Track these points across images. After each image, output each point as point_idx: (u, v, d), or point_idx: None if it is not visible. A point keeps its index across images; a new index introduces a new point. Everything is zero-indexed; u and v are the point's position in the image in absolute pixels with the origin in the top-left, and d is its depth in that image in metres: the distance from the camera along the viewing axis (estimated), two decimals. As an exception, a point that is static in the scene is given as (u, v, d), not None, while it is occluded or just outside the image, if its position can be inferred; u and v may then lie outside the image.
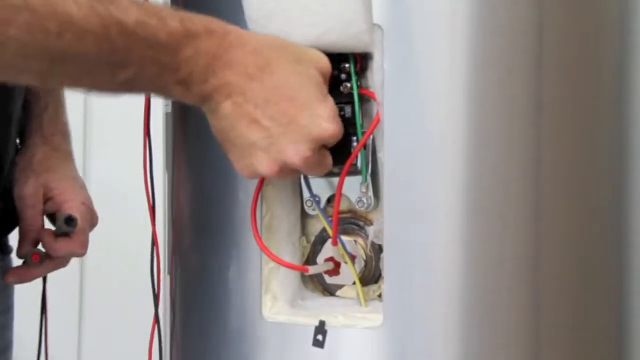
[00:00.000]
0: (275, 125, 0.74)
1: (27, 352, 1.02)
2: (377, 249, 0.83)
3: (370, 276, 0.84)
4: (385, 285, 0.79)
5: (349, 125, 0.82)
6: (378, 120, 0.80)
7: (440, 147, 0.79)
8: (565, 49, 0.81)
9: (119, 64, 0.69)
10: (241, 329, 0.85)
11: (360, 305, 0.83)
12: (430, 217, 0.79)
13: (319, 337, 0.80)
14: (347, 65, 0.81)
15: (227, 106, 0.74)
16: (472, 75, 0.79)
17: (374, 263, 0.84)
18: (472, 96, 0.79)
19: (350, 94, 0.81)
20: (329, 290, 0.87)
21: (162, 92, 0.74)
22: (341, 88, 0.81)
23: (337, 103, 0.81)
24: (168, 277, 0.93)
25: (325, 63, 0.78)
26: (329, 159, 0.79)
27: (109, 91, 0.71)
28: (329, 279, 0.85)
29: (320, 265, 0.84)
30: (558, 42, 0.81)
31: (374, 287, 0.84)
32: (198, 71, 0.72)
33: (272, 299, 0.84)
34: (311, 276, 0.87)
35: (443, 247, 0.79)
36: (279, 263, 0.83)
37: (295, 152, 0.74)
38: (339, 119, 0.77)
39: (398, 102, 0.79)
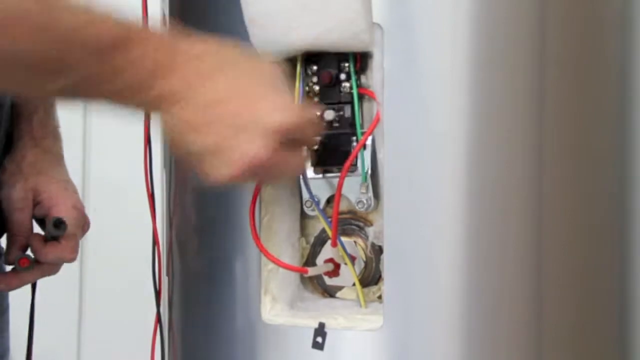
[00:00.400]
0: (223, 127, 0.71)
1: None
2: (377, 250, 0.83)
3: (370, 277, 0.84)
4: (385, 286, 0.79)
5: (348, 125, 0.82)
6: (378, 120, 0.80)
7: (441, 147, 0.78)
8: (567, 47, 0.80)
9: (56, 69, 0.66)
10: (240, 332, 0.84)
11: (361, 306, 0.83)
12: (431, 218, 0.78)
13: (319, 339, 0.80)
14: (346, 64, 0.82)
15: (173, 115, 0.71)
16: (473, 74, 0.78)
17: (374, 264, 0.83)
18: (474, 95, 0.78)
19: (350, 94, 0.81)
20: (329, 292, 0.87)
21: (107, 100, 0.70)
22: (341, 88, 0.81)
23: (336, 103, 0.82)
24: (167, 279, 0.92)
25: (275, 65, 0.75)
26: (299, 158, 0.76)
27: (48, 96, 0.69)
28: (328, 281, 0.85)
29: (320, 267, 0.84)
30: (560, 40, 0.80)
31: (374, 288, 0.84)
32: (142, 78, 0.69)
33: (271, 301, 0.84)
34: (311, 278, 0.87)
35: (444, 248, 0.78)
36: (278, 264, 0.82)
37: (249, 150, 0.70)
38: (297, 108, 0.74)
39: (398, 101, 0.78)
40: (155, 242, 0.92)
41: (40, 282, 0.98)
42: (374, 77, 0.81)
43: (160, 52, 0.69)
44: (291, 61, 0.83)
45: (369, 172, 0.81)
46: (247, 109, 0.70)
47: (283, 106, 0.71)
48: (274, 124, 0.70)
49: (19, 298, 1.03)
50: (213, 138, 0.70)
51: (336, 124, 0.83)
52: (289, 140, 0.72)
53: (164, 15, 0.92)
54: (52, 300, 1.03)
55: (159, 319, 0.92)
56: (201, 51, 0.71)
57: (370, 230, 0.83)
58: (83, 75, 0.67)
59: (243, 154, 0.70)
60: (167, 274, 0.92)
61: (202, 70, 0.71)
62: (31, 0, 0.64)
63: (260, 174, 0.74)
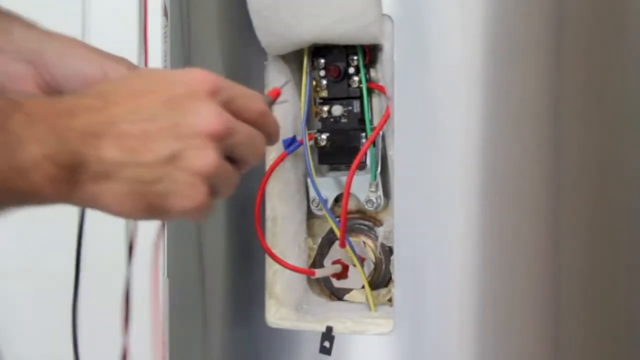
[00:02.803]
0: (164, 118, 0.62)
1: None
2: (387, 251, 0.82)
3: (380, 280, 0.83)
4: (395, 289, 0.78)
5: (357, 121, 0.81)
6: (388, 116, 0.79)
7: (454, 143, 0.77)
8: (586, 39, 0.79)
9: None
10: (244, 336, 0.84)
11: (370, 310, 0.82)
12: (443, 218, 0.77)
13: (326, 343, 0.79)
14: (355, 57, 0.81)
15: (109, 151, 0.61)
16: (486, 67, 0.77)
17: (383, 266, 0.82)
18: (487, 89, 0.77)
19: (359, 88, 0.81)
20: (337, 295, 0.86)
21: (25, 186, 0.59)
22: (349, 82, 0.81)
23: (345, 98, 0.81)
24: (167, 280, 0.91)
25: (199, 77, 0.65)
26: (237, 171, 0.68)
27: None
28: (336, 283, 0.84)
29: (328, 268, 0.84)
30: (578, 31, 0.79)
31: (383, 291, 0.83)
32: (47, 136, 0.59)
33: (277, 304, 0.83)
34: (318, 280, 0.86)
35: (456, 249, 0.77)
36: (283, 266, 0.81)
37: (204, 117, 0.63)
38: (221, 113, 0.65)
39: (409, 96, 0.77)
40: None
41: (38, 284, 0.96)
42: (384, 71, 0.80)
43: (42, 102, 0.62)
44: (298, 54, 0.82)
45: (379, 169, 0.81)
46: (181, 118, 0.63)
47: (210, 111, 0.64)
48: (209, 129, 0.63)
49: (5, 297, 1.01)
50: (165, 148, 0.62)
51: (344, 120, 0.82)
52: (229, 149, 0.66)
53: (165, 7, 0.91)
54: (48, 301, 1.00)
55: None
56: (83, 90, 0.65)
57: (379, 231, 0.82)
58: None
59: (199, 161, 0.63)
60: (168, 276, 0.91)
61: (97, 94, 0.64)
62: None
63: (219, 188, 0.66)
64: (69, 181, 0.60)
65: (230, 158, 0.65)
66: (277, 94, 0.75)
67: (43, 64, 0.75)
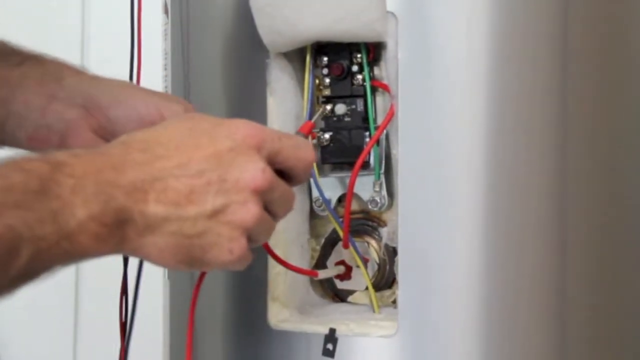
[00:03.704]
0: (210, 173, 0.64)
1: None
2: (391, 252, 0.82)
3: (384, 281, 0.83)
4: (399, 290, 0.77)
5: (361, 119, 0.81)
6: (392, 115, 0.78)
7: (459, 142, 0.77)
8: (591, 38, 0.78)
9: (7, 253, 0.56)
10: (246, 338, 0.83)
11: (373, 312, 0.82)
12: (448, 218, 0.77)
13: (329, 346, 0.78)
14: (359, 55, 0.80)
15: (154, 206, 0.62)
16: (492, 65, 0.77)
17: (387, 267, 0.82)
18: (492, 88, 0.77)
19: (362, 87, 0.80)
20: (340, 296, 0.85)
21: (73, 250, 0.60)
22: (353, 80, 0.81)
23: (348, 96, 0.81)
24: (168, 282, 0.91)
25: (244, 131, 0.66)
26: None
27: (5, 288, 0.59)
28: (339, 284, 0.84)
29: (331, 270, 0.83)
30: (584, 30, 0.78)
31: (387, 292, 0.83)
32: (94, 196, 0.60)
33: (279, 306, 0.83)
34: (321, 281, 0.86)
35: (462, 249, 0.77)
36: (286, 267, 0.80)
37: (249, 173, 0.64)
38: (264, 169, 0.66)
39: (413, 94, 0.77)
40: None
41: (35, 286, 0.95)
42: (388, 69, 0.79)
43: (89, 161, 0.61)
44: (300, 52, 0.82)
45: (383, 169, 0.80)
46: (225, 173, 0.64)
47: (256, 167, 0.65)
48: (254, 185, 0.64)
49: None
50: (209, 203, 0.63)
51: (347, 119, 0.82)
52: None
53: (165, 5, 0.90)
54: (46, 303, 0.99)
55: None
56: (120, 140, 0.65)
57: (383, 231, 0.82)
58: (35, 240, 0.58)
59: (241, 217, 0.64)
60: (169, 277, 0.91)
61: (148, 142, 0.64)
62: None
63: (258, 237, 0.67)
64: (114, 238, 0.60)
65: (267, 210, 0.66)
66: (310, 129, 0.76)
67: (97, 107, 0.76)
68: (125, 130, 0.74)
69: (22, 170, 0.58)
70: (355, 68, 0.80)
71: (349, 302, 0.84)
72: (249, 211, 0.64)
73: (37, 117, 0.77)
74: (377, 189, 0.81)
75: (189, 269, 0.65)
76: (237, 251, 0.64)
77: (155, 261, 0.63)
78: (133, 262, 0.84)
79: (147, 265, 0.90)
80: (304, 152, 0.68)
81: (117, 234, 0.61)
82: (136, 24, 0.85)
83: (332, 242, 0.84)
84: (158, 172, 0.62)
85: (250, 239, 0.65)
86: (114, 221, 0.60)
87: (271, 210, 0.67)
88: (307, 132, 0.75)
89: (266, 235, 0.67)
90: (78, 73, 0.79)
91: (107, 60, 0.84)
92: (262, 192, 0.64)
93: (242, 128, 0.65)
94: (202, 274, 0.72)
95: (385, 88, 0.80)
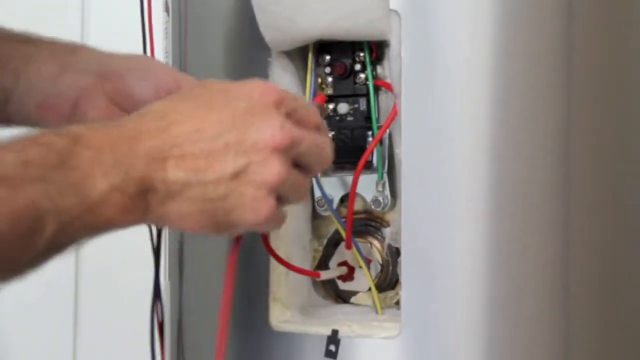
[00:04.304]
0: (227, 136, 0.64)
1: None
2: (394, 253, 0.81)
3: (387, 282, 0.82)
4: (403, 291, 0.77)
5: (363, 119, 0.81)
6: (395, 114, 0.78)
7: (462, 142, 0.76)
8: (596, 37, 0.78)
9: (31, 227, 0.57)
10: (247, 339, 0.83)
11: (376, 313, 0.82)
12: (451, 218, 0.76)
13: (332, 347, 0.78)
14: (361, 54, 0.80)
15: (174, 173, 0.62)
16: (495, 63, 0.76)
17: (390, 268, 0.82)
18: (496, 86, 0.76)
19: (365, 85, 0.80)
20: (343, 297, 0.85)
21: (97, 223, 0.60)
22: (355, 79, 0.80)
23: (351, 95, 0.81)
24: (169, 283, 0.91)
25: (260, 89, 0.66)
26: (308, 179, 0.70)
27: (32, 263, 0.59)
28: (342, 285, 0.84)
29: (333, 270, 0.83)
30: (589, 29, 0.78)
31: (390, 293, 0.83)
32: (113, 167, 0.60)
33: (281, 307, 0.82)
34: (323, 282, 0.85)
35: (465, 250, 0.76)
36: (288, 268, 0.80)
37: (267, 130, 0.64)
38: (286, 123, 0.66)
39: (416, 93, 0.76)
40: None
41: (35, 286, 0.95)
42: (391, 68, 0.79)
43: (106, 133, 0.62)
44: (303, 51, 0.82)
45: (386, 169, 0.80)
46: (243, 133, 0.64)
47: (274, 124, 0.65)
48: (273, 142, 0.64)
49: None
50: (229, 165, 0.63)
51: (350, 118, 0.81)
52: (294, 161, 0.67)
53: (166, 3, 0.90)
54: (46, 305, 0.99)
55: (161, 325, 0.89)
56: (144, 110, 0.65)
57: (386, 231, 0.82)
58: (60, 211, 0.58)
59: (265, 176, 0.64)
60: (170, 278, 0.90)
61: (165, 110, 0.64)
62: None
63: (289, 196, 0.67)
64: (138, 207, 0.61)
65: (299, 165, 0.66)
66: (323, 100, 0.77)
67: (113, 74, 0.77)
68: (142, 95, 0.75)
69: (38, 145, 0.58)
70: (358, 67, 0.80)
71: (352, 303, 0.84)
72: (271, 170, 0.63)
73: (48, 85, 0.77)
74: (379, 189, 0.80)
75: (216, 232, 0.65)
76: (264, 211, 0.64)
77: (179, 227, 0.64)
78: (133, 262, 0.84)
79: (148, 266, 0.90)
80: (315, 115, 0.68)
81: (140, 203, 0.61)
82: (147, 23, 0.85)
83: (334, 242, 0.84)
84: (174, 139, 0.62)
85: (280, 198, 0.65)
86: (136, 191, 0.60)
87: (303, 164, 0.66)
88: (321, 103, 0.76)
89: (298, 193, 0.67)
90: (93, 49, 0.80)
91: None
92: (284, 149, 0.64)
93: (258, 87, 0.65)
94: (237, 240, 0.70)
95: (388, 87, 0.79)
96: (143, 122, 0.63)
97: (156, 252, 0.88)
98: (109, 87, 0.76)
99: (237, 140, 0.63)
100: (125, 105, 0.76)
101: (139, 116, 0.64)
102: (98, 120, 0.75)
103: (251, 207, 0.64)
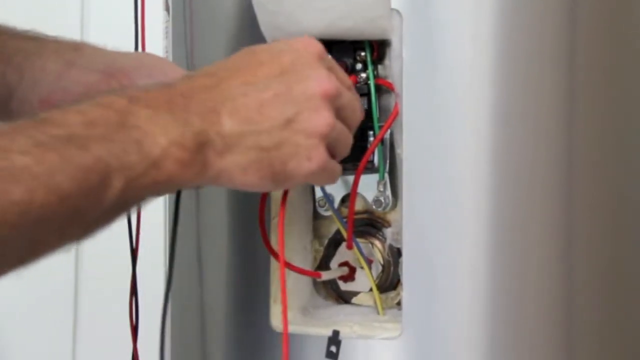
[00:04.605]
0: (277, 85, 0.66)
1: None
2: (396, 253, 0.81)
3: (389, 282, 0.82)
4: (404, 292, 0.77)
5: (365, 118, 0.79)
6: (397, 113, 0.78)
7: (464, 142, 0.76)
8: (600, 36, 0.78)
9: (99, 184, 0.58)
10: (248, 340, 0.83)
11: (378, 313, 0.81)
12: (453, 219, 0.76)
13: (333, 348, 0.78)
14: (363, 53, 0.80)
15: (228, 125, 0.64)
16: (498, 63, 0.76)
17: (392, 268, 0.82)
18: (498, 86, 0.76)
19: (367, 85, 0.80)
20: (344, 298, 0.85)
21: (161, 178, 0.62)
22: (357, 78, 0.80)
23: None
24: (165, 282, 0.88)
25: (303, 41, 0.69)
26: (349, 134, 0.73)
27: (101, 221, 0.61)
28: (343, 286, 0.84)
29: (334, 271, 0.83)
30: (592, 28, 0.78)
31: (392, 294, 0.82)
32: (171, 123, 0.62)
33: (282, 307, 0.80)
34: (324, 282, 0.85)
35: (467, 250, 0.76)
36: (289, 268, 0.80)
37: (316, 80, 0.66)
38: (332, 76, 0.69)
39: (418, 93, 0.76)
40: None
41: (37, 289, 0.95)
42: (392, 67, 0.79)
43: (160, 91, 0.64)
44: None
45: (387, 169, 0.80)
46: (292, 84, 0.66)
47: (321, 74, 0.67)
48: (322, 91, 0.67)
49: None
50: (281, 113, 0.65)
51: None
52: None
53: (166, 2, 0.90)
54: (45, 306, 0.99)
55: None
56: (191, 73, 0.68)
57: (388, 232, 0.82)
58: (123, 168, 0.60)
59: (316, 123, 0.66)
60: (168, 279, 0.87)
61: (213, 69, 0.67)
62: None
63: (337, 148, 0.70)
64: (197, 161, 0.62)
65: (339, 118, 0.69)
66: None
67: (120, 71, 0.78)
68: None
69: (99, 105, 0.60)
70: (359, 66, 0.80)
71: (353, 304, 0.84)
72: (321, 117, 0.66)
73: (53, 80, 0.78)
74: (381, 188, 0.80)
75: (274, 185, 0.67)
76: (317, 159, 0.66)
77: (240, 181, 0.65)
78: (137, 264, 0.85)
79: (147, 266, 0.90)
80: (347, 76, 0.72)
81: (199, 158, 0.63)
82: (140, 22, 0.85)
83: (335, 242, 0.84)
84: (226, 92, 0.64)
85: (329, 149, 0.67)
86: (195, 145, 0.62)
87: (343, 118, 0.69)
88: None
89: (344, 146, 0.70)
90: (96, 46, 0.81)
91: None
92: (331, 98, 0.66)
93: (300, 40, 0.68)
94: (285, 193, 0.73)
95: (390, 86, 0.79)
96: (194, 81, 0.65)
97: (133, 252, 0.89)
98: (115, 84, 0.77)
99: (286, 89, 0.65)
100: None
101: (189, 77, 0.66)
102: None
103: (305, 155, 0.66)
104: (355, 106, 0.70)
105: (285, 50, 0.68)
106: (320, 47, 0.69)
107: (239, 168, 0.65)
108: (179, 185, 0.63)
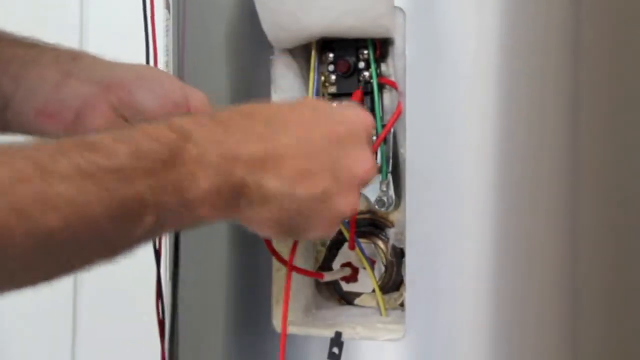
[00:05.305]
0: (326, 157, 0.67)
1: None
2: (399, 253, 0.81)
3: (391, 283, 0.82)
4: (407, 293, 0.77)
5: None
6: (400, 113, 0.77)
7: (468, 141, 0.76)
8: (604, 33, 0.78)
9: (132, 217, 0.59)
10: (250, 341, 0.82)
11: (381, 315, 0.81)
12: (456, 219, 0.76)
13: (335, 349, 0.78)
14: (365, 51, 0.80)
15: (270, 181, 0.64)
16: (502, 61, 0.76)
17: (395, 269, 0.82)
18: (502, 84, 0.76)
19: (369, 84, 0.79)
20: (346, 299, 0.85)
21: (190, 218, 0.63)
22: (359, 77, 0.80)
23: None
24: (170, 283, 0.90)
25: (364, 120, 0.71)
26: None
27: (127, 249, 0.62)
28: (346, 287, 0.84)
29: (337, 272, 0.83)
30: (597, 24, 0.78)
31: (395, 295, 0.82)
32: (216, 168, 0.62)
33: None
34: (326, 283, 0.85)
35: (471, 251, 0.76)
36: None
37: (362, 163, 0.68)
38: (373, 158, 0.72)
39: (421, 91, 0.76)
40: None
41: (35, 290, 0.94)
42: (395, 66, 0.79)
43: (213, 129, 0.64)
44: (306, 48, 0.81)
45: (390, 168, 0.80)
46: (339, 159, 0.67)
47: (368, 158, 0.69)
48: (364, 176, 0.69)
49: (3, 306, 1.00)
50: (327, 174, 0.66)
51: None
52: None
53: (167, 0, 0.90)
54: (44, 308, 0.99)
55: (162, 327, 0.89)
56: (255, 109, 0.67)
57: (391, 232, 0.82)
58: (160, 205, 0.60)
59: (357, 170, 0.68)
60: (170, 279, 0.90)
61: (274, 120, 0.67)
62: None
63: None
64: (229, 207, 0.63)
65: None
66: (361, 98, 0.79)
67: (118, 84, 0.77)
68: (148, 108, 0.76)
69: (151, 139, 0.59)
70: (361, 65, 0.80)
71: (356, 305, 0.84)
72: (352, 201, 0.68)
73: (49, 90, 0.77)
74: (384, 188, 0.80)
75: (284, 239, 0.71)
76: (332, 231, 0.69)
77: (257, 230, 0.67)
78: (137, 263, 0.84)
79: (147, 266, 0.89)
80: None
81: (231, 203, 0.63)
82: (149, 21, 0.85)
83: (337, 243, 0.83)
84: (278, 148, 0.64)
85: None
86: (231, 193, 0.63)
87: None
88: (359, 100, 0.78)
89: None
90: (94, 56, 0.80)
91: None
92: (367, 182, 0.69)
93: (362, 116, 0.70)
94: (296, 242, 0.76)
95: (393, 85, 0.79)
96: (251, 124, 0.65)
97: (157, 253, 0.88)
98: (113, 98, 0.76)
99: (332, 162, 0.66)
100: (129, 116, 0.76)
101: (247, 116, 0.65)
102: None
103: (324, 229, 0.68)
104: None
105: (345, 121, 0.68)
106: (372, 124, 0.71)
107: (262, 220, 0.66)
108: (204, 223, 0.64)
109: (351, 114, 0.70)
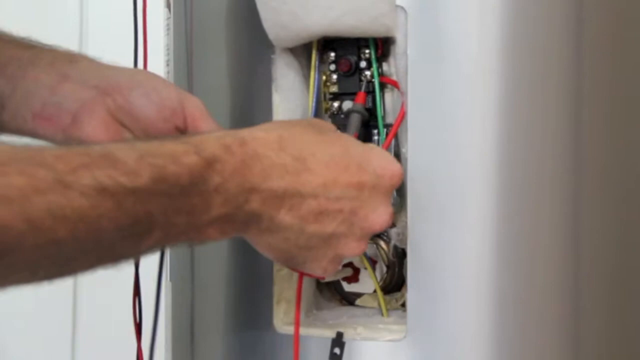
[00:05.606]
0: (346, 202, 0.68)
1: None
2: (400, 254, 0.81)
3: (393, 283, 0.82)
4: (409, 293, 0.76)
5: (369, 117, 0.80)
6: (404, 114, 0.77)
7: (470, 141, 0.75)
8: (607, 32, 0.77)
9: (140, 233, 0.60)
10: (251, 341, 0.82)
11: (382, 315, 0.81)
12: (458, 219, 0.76)
13: (337, 350, 0.77)
14: (367, 51, 0.79)
15: (283, 216, 0.66)
16: (504, 60, 0.75)
17: (396, 269, 0.81)
18: (505, 84, 0.76)
19: (371, 83, 0.79)
20: (348, 299, 0.85)
21: (197, 238, 0.64)
22: (361, 76, 0.80)
23: (356, 93, 0.80)
24: (170, 284, 0.90)
25: (392, 171, 0.71)
26: None
27: (131, 259, 0.64)
28: (347, 287, 0.84)
29: (338, 272, 0.82)
30: (599, 24, 0.77)
31: (396, 295, 0.82)
32: (233, 197, 0.63)
33: (285, 309, 0.82)
34: (328, 284, 0.85)
35: (473, 251, 0.76)
36: (292, 269, 0.78)
37: (379, 215, 0.69)
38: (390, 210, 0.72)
39: (423, 91, 0.76)
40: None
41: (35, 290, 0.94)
42: (397, 65, 0.78)
43: (239, 160, 0.64)
44: (307, 48, 0.81)
45: None
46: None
47: (387, 211, 0.70)
48: (378, 228, 0.70)
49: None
50: (339, 218, 0.68)
51: None
52: None
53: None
54: (44, 309, 0.98)
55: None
56: (279, 138, 0.67)
57: (392, 232, 0.81)
58: (171, 225, 0.61)
59: (373, 222, 0.69)
60: (171, 279, 0.90)
61: (296, 154, 0.67)
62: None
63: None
64: (238, 231, 0.65)
65: None
66: (364, 99, 0.79)
67: (115, 88, 0.77)
68: (145, 113, 0.76)
69: (176, 162, 0.60)
70: (363, 64, 0.79)
71: (357, 306, 0.84)
72: (358, 248, 0.69)
73: (46, 93, 0.77)
74: (385, 188, 0.80)
75: (282, 265, 0.72)
76: (330, 272, 0.71)
77: (259, 250, 0.69)
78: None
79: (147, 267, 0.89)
80: None
81: (240, 229, 0.65)
82: (140, 18, 0.84)
83: (339, 243, 0.83)
84: (301, 187, 0.66)
85: None
86: (243, 221, 0.64)
87: None
88: (363, 102, 0.78)
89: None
90: (91, 59, 0.80)
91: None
92: (377, 232, 0.71)
93: (391, 168, 0.70)
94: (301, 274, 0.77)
95: (394, 84, 0.78)
96: (280, 155, 0.65)
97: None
98: (110, 102, 0.76)
99: (351, 210, 0.68)
100: (126, 121, 0.76)
101: (279, 148, 0.66)
102: (95, 135, 0.76)
103: (324, 268, 0.70)
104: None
105: (372, 170, 0.69)
106: (400, 175, 0.71)
107: (266, 245, 0.67)
108: (209, 243, 0.65)
109: (382, 164, 0.70)
